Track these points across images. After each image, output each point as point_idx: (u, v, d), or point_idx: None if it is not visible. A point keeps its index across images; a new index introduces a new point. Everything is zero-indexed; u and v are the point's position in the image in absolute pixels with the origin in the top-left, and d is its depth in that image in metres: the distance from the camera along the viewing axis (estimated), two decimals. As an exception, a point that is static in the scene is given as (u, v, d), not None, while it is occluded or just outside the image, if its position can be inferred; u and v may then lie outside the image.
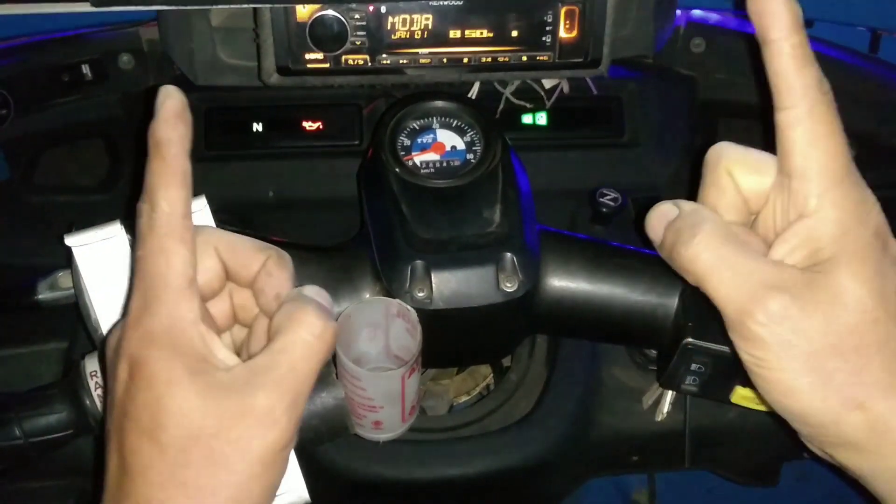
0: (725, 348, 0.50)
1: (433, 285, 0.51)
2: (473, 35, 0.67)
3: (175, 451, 0.33)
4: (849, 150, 0.35)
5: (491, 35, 0.67)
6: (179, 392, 0.33)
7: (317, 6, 0.64)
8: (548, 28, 0.67)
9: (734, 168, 0.37)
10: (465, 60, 0.68)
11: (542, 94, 0.75)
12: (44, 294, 0.57)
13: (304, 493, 0.46)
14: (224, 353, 0.36)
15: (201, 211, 0.48)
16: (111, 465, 0.35)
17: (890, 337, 0.34)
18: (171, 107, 0.34)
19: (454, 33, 0.67)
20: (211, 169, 0.74)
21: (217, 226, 0.44)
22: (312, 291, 0.39)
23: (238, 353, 0.40)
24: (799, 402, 0.36)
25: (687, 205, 0.38)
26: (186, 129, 0.35)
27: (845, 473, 0.37)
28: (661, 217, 0.39)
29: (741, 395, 0.52)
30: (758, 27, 0.35)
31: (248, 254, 0.38)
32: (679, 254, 0.37)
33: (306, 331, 0.36)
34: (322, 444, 0.49)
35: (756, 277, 0.35)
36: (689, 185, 0.76)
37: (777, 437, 0.69)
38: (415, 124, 0.59)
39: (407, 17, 0.65)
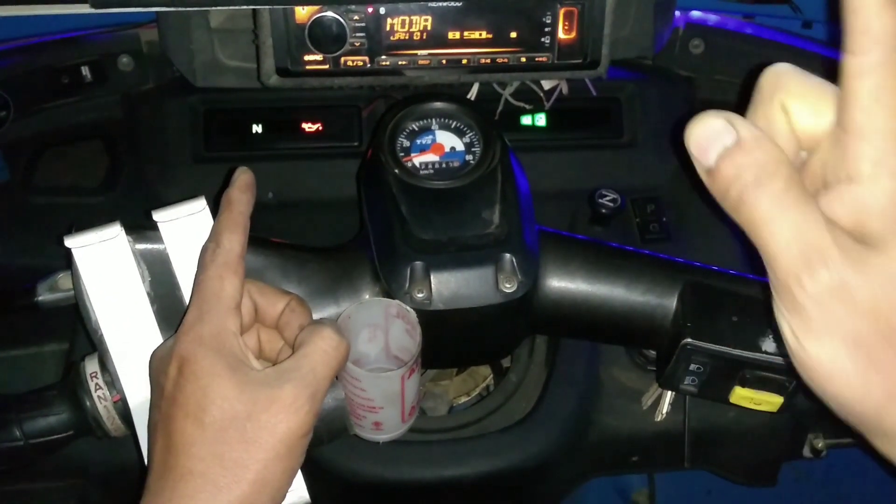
0: (724, 348, 0.50)
1: (432, 286, 0.51)
2: (472, 36, 0.67)
3: (214, 430, 0.40)
4: None
5: (490, 36, 0.67)
6: (221, 383, 0.40)
7: (316, 8, 0.64)
8: (546, 29, 0.67)
9: (791, 104, 0.32)
10: (465, 62, 0.68)
11: (542, 95, 0.75)
12: (44, 295, 0.57)
13: (305, 494, 0.46)
14: (256, 363, 0.43)
15: (202, 212, 0.48)
16: (157, 446, 0.41)
17: None
18: (244, 179, 0.48)
19: (453, 35, 0.67)
20: (210, 170, 0.74)
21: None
22: (329, 320, 0.47)
23: None
24: (840, 388, 0.31)
25: (746, 130, 0.31)
26: (252, 197, 0.47)
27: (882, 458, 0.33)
28: (715, 137, 0.31)
29: (740, 396, 0.52)
30: None
31: (275, 296, 0.47)
32: (739, 196, 0.30)
33: (325, 342, 0.43)
34: (322, 446, 0.49)
35: (812, 239, 0.29)
36: (687, 186, 0.77)
37: (776, 438, 0.69)
38: (414, 125, 0.59)
39: (406, 18, 0.66)
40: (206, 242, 0.45)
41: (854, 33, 0.29)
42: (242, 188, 0.47)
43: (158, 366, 0.43)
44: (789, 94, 0.31)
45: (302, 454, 0.42)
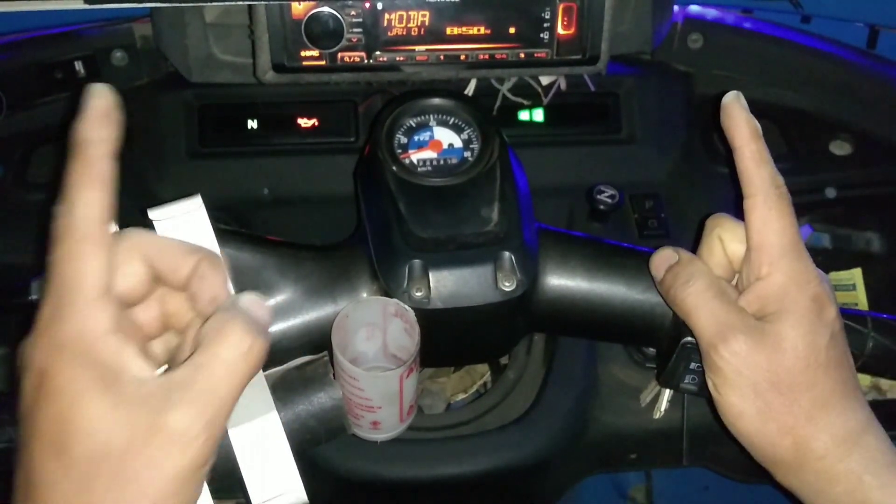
0: None
1: (431, 285, 0.51)
2: (471, 32, 0.66)
3: (82, 468, 0.31)
4: (796, 230, 0.45)
5: (488, 32, 0.66)
6: (88, 405, 0.31)
7: (312, 3, 0.64)
8: (545, 25, 0.67)
9: (724, 236, 0.47)
10: (463, 58, 0.67)
11: (540, 90, 0.74)
12: (38, 294, 0.56)
13: (302, 494, 0.46)
14: (139, 366, 0.33)
15: (197, 210, 0.48)
16: (19, 480, 0.33)
17: (817, 380, 0.43)
18: (98, 106, 0.34)
19: (451, 30, 0.66)
20: (205, 167, 0.74)
21: (213, 224, 0.43)
22: (247, 301, 0.36)
23: (170, 362, 0.38)
24: (745, 425, 0.44)
25: (685, 254, 0.48)
26: (112, 130, 0.34)
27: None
28: (664, 260, 0.49)
29: (740, 394, 0.51)
30: (728, 137, 0.45)
31: (178, 257, 0.37)
32: (675, 294, 0.47)
33: (231, 348, 0.34)
34: (319, 445, 0.49)
35: (723, 319, 0.44)
36: (686, 182, 0.77)
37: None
38: (411, 122, 0.59)
39: (403, 13, 0.65)
40: (55, 206, 0.34)
41: (744, 185, 0.45)
42: (95, 120, 0.34)
43: (19, 372, 0.34)
44: (723, 229, 0.47)
45: (200, 484, 0.34)
